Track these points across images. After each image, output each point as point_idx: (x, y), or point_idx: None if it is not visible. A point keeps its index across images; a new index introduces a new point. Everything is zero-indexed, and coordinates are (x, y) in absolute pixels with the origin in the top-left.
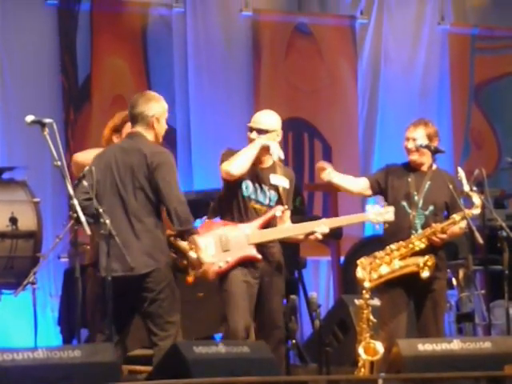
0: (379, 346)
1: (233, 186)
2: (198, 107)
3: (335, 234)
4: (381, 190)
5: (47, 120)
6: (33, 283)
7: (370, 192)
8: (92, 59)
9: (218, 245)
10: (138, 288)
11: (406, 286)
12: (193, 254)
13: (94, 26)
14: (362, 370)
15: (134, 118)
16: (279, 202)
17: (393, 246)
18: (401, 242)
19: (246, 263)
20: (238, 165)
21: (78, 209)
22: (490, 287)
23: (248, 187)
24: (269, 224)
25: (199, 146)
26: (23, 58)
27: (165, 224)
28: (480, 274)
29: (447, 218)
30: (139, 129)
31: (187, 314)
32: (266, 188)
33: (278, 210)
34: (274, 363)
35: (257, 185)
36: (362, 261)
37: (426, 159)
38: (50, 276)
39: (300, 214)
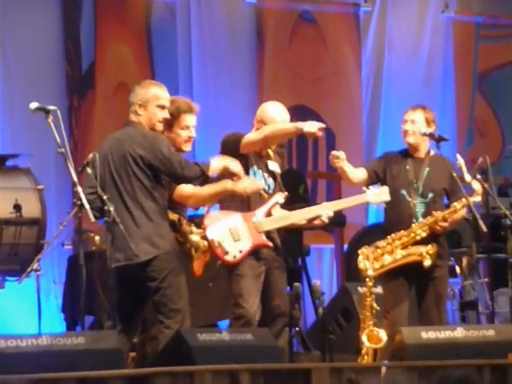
0: (382, 334)
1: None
2: (201, 95)
3: (338, 222)
4: (379, 179)
5: (51, 107)
6: (37, 270)
7: (368, 182)
8: (96, 46)
9: (228, 235)
10: (141, 277)
11: (407, 274)
12: (194, 237)
13: (97, 13)
14: (366, 357)
15: (129, 106)
16: (276, 188)
17: (394, 236)
18: (402, 232)
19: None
20: (272, 133)
21: (82, 196)
22: (494, 275)
23: (256, 174)
24: (270, 212)
25: (203, 134)
26: (27, 45)
27: (166, 210)
28: (483, 262)
29: (447, 205)
30: (131, 116)
31: (191, 302)
32: (265, 175)
33: (280, 197)
34: (278, 351)
35: (261, 172)
36: (364, 250)
37: (422, 145)
38: (53, 263)
39: (303, 201)
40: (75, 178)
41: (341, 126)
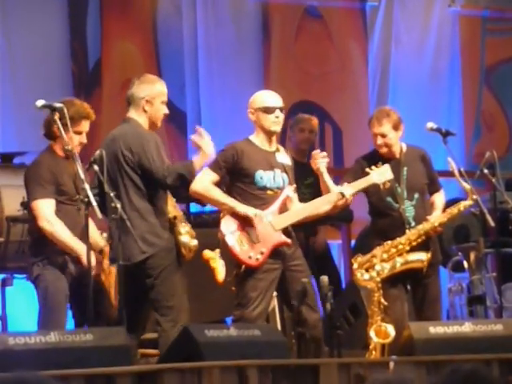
0: (390, 329)
1: (246, 177)
2: (208, 90)
3: (346, 218)
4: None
5: (58, 104)
6: None
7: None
8: (102, 44)
9: (247, 239)
10: (137, 275)
11: (402, 275)
12: (184, 238)
13: (103, 10)
14: (374, 352)
15: (128, 101)
16: (290, 181)
17: (391, 243)
18: (398, 239)
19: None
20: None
21: (89, 193)
22: (502, 270)
23: (263, 177)
24: (284, 206)
25: (209, 130)
26: (33, 43)
27: (162, 209)
28: (491, 257)
29: (431, 195)
30: (131, 113)
31: (198, 298)
32: (278, 171)
33: (289, 191)
34: (285, 346)
35: (269, 172)
36: (359, 260)
37: (395, 147)
38: None
39: (309, 194)
40: (82, 176)
41: (347, 120)
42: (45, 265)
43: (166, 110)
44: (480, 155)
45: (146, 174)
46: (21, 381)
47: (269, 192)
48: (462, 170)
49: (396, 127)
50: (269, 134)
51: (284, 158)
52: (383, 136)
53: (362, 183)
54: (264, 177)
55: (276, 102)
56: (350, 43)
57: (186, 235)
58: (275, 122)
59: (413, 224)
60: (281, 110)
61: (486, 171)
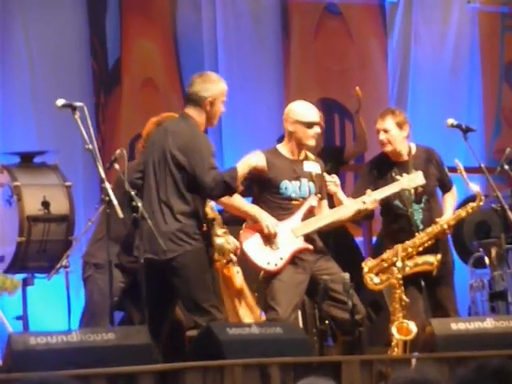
0: (412, 326)
1: (271, 187)
2: (228, 88)
3: (367, 215)
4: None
5: (78, 103)
6: (66, 267)
7: None
8: (122, 42)
9: (267, 245)
10: (167, 273)
11: (416, 276)
12: (219, 240)
13: (123, 8)
14: (396, 349)
15: (188, 98)
16: (316, 190)
17: (399, 246)
18: (407, 243)
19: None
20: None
21: (110, 192)
22: None
23: (288, 187)
24: (309, 215)
25: (228, 126)
26: (53, 41)
27: (197, 212)
28: None
29: (443, 194)
30: (189, 109)
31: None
32: (305, 181)
33: (313, 200)
34: (307, 344)
35: (294, 182)
36: (369, 264)
37: (401, 147)
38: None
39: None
40: (103, 174)
41: (367, 117)
42: (98, 268)
43: (223, 109)
44: (500, 151)
45: (191, 178)
46: (41, 382)
47: (294, 202)
48: (482, 165)
49: (400, 126)
50: (303, 146)
51: (313, 166)
52: (385, 131)
53: (391, 189)
54: (289, 187)
55: (316, 116)
56: (370, 40)
57: (222, 238)
58: (313, 137)
59: (421, 227)
60: (319, 125)
61: (506, 167)
